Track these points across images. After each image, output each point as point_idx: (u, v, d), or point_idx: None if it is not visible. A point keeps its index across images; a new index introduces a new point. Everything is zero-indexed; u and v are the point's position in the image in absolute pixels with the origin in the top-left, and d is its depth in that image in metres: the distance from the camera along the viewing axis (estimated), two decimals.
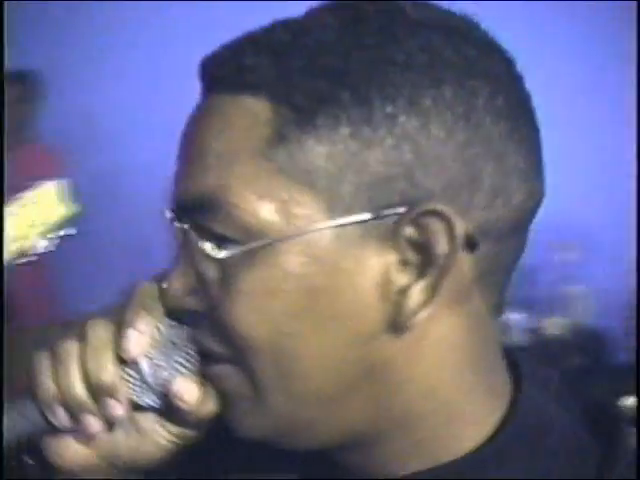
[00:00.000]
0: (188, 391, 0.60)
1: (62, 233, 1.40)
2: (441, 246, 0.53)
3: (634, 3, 3.22)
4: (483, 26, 0.58)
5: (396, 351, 0.55)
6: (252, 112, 0.54)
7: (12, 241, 1.38)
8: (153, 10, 4.60)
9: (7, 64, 2.95)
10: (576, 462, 0.57)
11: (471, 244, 0.54)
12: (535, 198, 0.58)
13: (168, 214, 0.58)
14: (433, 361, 0.56)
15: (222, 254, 0.54)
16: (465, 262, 0.55)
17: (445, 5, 0.58)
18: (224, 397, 0.59)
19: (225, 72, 0.56)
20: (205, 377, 0.59)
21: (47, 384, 0.61)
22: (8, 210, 1.39)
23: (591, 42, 3.78)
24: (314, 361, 0.55)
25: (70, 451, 0.63)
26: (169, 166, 0.59)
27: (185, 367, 0.60)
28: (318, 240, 0.53)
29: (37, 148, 3.58)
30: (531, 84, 0.59)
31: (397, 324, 0.54)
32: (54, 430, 0.62)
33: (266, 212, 0.53)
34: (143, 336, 0.60)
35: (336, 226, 0.53)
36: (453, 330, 0.56)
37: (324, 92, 0.53)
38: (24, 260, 1.41)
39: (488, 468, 0.57)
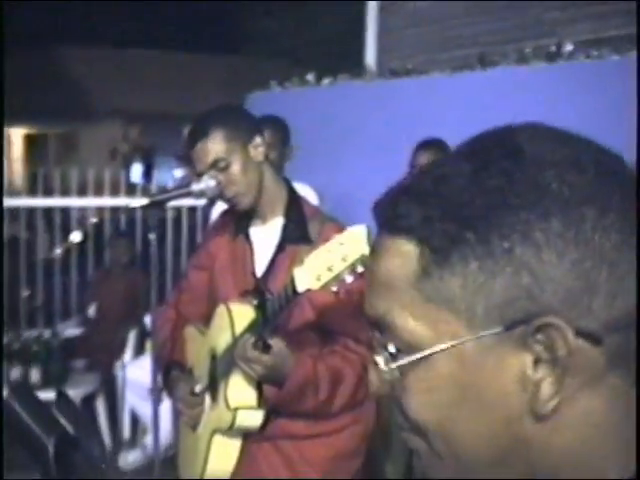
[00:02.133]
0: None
1: (360, 270, 1.82)
2: (560, 349, 0.64)
3: None
4: (595, 148, 0.69)
5: (537, 431, 0.67)
6: (404, 251, 0.68)
7: (328, 271, 1.83)
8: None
9: None
10: None
11: (595, 339, 0.65)
12: None
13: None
14: (572, 437, 0.67)
15: (393, 366, 0.70)
16: (594, 353, 0.65)
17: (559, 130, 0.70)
18: (417, 453, 0.74)
19: (385, 218, 0.71)
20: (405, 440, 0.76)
21: None
22: (325, 247, 1.85)
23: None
24: (472, 439, 0.68)
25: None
26: None
27: None
28: (462, 349, 0.66)
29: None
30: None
31: (535, 411, 0.66)
32: None
33: (421, 331, 0.68)
34: None
35: (476, 339, 0.66)
36: (591, 409, 0.67)
37: (454, 234, 0.65)
38: (336, 287, 1.87)
39: None
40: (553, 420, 0.66)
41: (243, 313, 2.28)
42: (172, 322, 2.69)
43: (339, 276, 1.86)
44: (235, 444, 2.37)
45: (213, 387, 2.40)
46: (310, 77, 6.52)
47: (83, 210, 6.97)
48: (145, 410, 4.80)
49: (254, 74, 9.58)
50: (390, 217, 0.70)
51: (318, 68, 6.67)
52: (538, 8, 5.78)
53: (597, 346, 0.64)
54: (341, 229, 2.28)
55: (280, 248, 2.39)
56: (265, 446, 2.40)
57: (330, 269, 1.85)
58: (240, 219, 2.50)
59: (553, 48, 4.99)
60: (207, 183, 2.35)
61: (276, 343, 2.17)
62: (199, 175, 2.39)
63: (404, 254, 0.68)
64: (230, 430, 2.30)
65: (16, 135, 19.53)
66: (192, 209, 6.41)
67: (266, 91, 6.38)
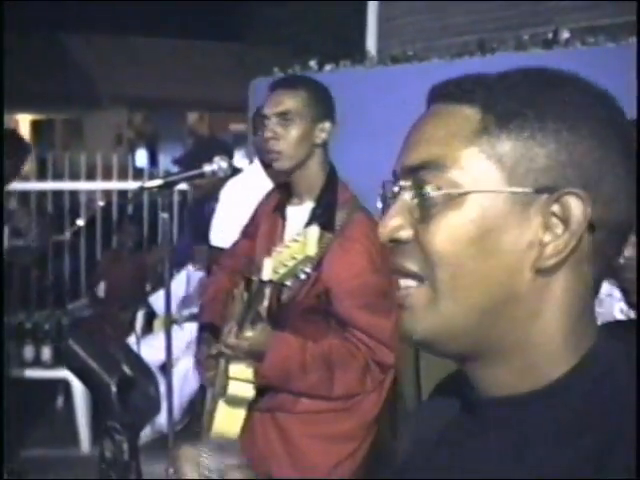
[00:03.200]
0: None
1: (308, 270, 1.99)
2: (576, 218, 0.77)
3: None
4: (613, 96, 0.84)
5: (532, 288, 0.79)
6: (467, 115, 0.81)
7: (282, 266, 1.99)
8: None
9: None
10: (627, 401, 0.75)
11: (591, 227, 0.78)
12: (632, 211, 0.81)
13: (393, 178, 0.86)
14: (554, 304, 0.79)
15: (438, 194, 0.80)
16: (584, 239, 0.78)
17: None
18: (409, 311, 0.82)
19: (452, 91, 0.83)
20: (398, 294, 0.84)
21: None
22: (286, 243, 2.00)
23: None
24: (479, 279, 0.79)
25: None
26: None
27: None
28: (496, 198, 0.78)
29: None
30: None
31: (537, 265, 0.78)
32: None
33: (468, 173, 0.79)
34: None
35: (510, 192, 0.78)
36: (570, 286, 0.79)
37: (516, 109, 0.79)
38: (290, 282, 2.05)
39: (558, 397, 0.78)
40: (543, 287, 0.79)
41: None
42: (217, 284, 2.82)
43: (291, 272, 2.00)
44: (239, 412, 2.48)
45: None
46: (312, 63, 6.62)
47: (91, 194, 7.08)
48: None
49: (257, 61, 9.68)
50: (454, 91, 0.83)
51: (320, 55, 6.76)
52: None
53: (591, 233, 0.78)
54: (369, 219, 2.40)
55: None
56: (265, 417, 2.53)
57: (284, 264, 1.99)
58: (281, 197, 2.61)
59: (550, 35, 5.11)
60: (219, 164, 2.45)
61: (257, 328, 2.30)
62: (263, 118, 2.44)
63: (466, 117, 0.81)
64: (225, 397, 2.43)
65: (23, 121, 19.65)
66: None
67: (269, 77, 6.49)
